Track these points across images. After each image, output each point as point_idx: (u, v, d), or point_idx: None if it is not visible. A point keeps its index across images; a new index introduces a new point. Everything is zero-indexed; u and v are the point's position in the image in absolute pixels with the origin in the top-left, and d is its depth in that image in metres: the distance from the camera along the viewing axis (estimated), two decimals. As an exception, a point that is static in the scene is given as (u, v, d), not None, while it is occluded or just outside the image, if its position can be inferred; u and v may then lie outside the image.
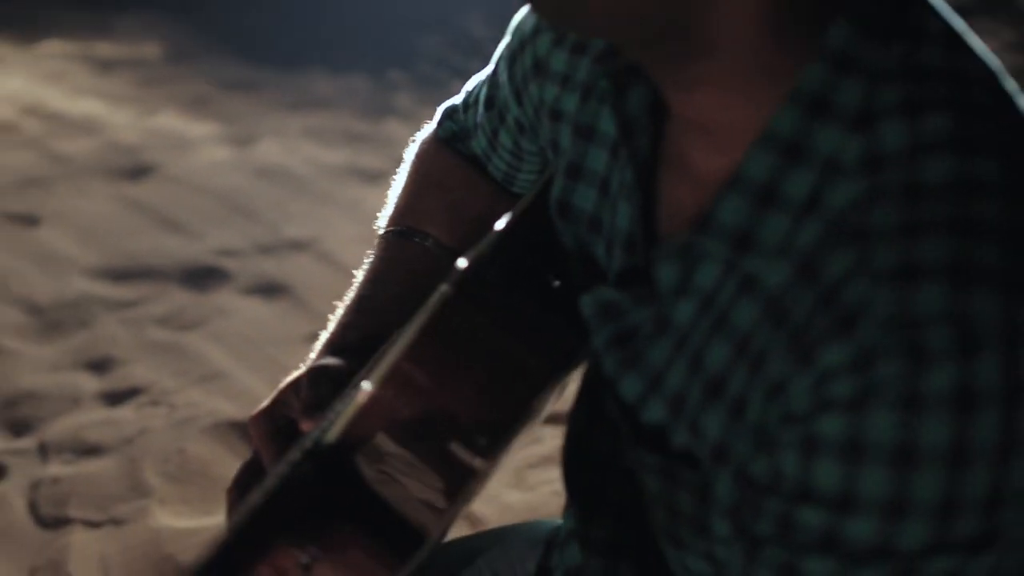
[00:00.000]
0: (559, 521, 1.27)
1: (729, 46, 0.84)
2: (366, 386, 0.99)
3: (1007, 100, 0.84)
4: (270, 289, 3.96)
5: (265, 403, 1.18)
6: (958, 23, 0.87)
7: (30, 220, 4.63)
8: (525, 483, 2.83)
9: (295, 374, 1.20)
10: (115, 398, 3.30)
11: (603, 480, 1.09)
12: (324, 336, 1.28)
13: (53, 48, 7.33)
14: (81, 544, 2.66)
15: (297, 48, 7.17)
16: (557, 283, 1.11)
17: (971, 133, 0.80)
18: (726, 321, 0.88)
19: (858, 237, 0.79)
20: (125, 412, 3.22)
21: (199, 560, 0.93)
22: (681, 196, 0.94)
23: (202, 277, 4.10)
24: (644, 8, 0.83)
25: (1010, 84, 0.86)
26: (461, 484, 0.97)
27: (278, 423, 1.16)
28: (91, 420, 3.18)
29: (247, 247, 4.33)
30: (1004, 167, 0.79)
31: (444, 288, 1.01)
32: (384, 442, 0.99)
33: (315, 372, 1.18)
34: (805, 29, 0.84)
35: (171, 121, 5.93)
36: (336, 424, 1.00)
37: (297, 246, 4.32)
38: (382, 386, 0.98)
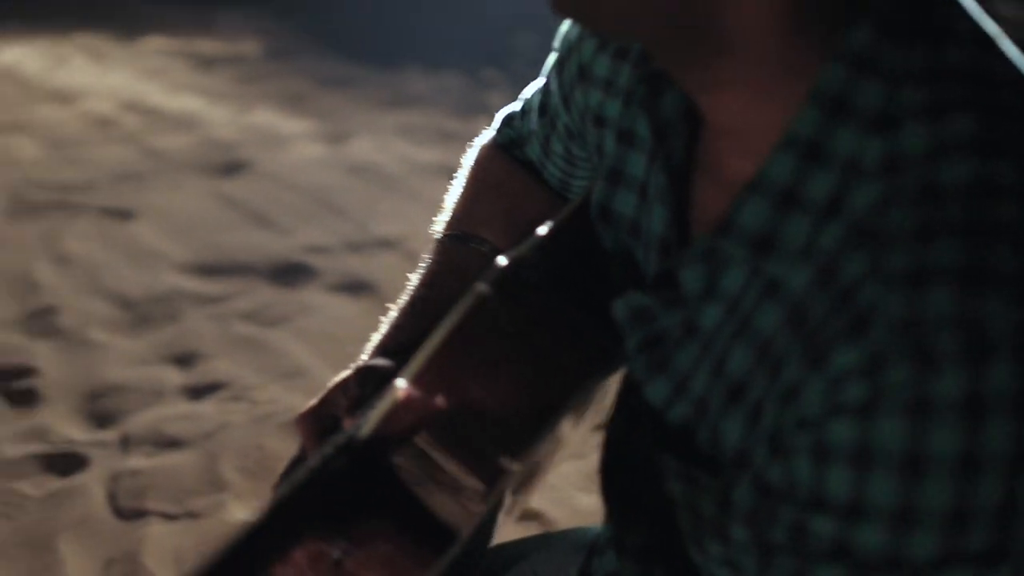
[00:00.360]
0: (604, 528, 1.26)
1: (749, 46, 0.83)
2: (400, 383, 0.99)
3: None
4: (356, 287, 3.98)
5: (313, 401, 1.20)
6: (990, 25, 0.84)
7: (124, 214, 4.70)
8: (597, 487, 2.81)
9: (344, 374, 1.21)
10: (197, 392, 3.34)
11: (638, 486, 1.07)
12: (376, 337, 1.28)
13: (155, 44, 7.46)
14: (157, 536, 2.69)
15: (394, 46, 7.23)
16: (600, 288, 1.11)
17: (994, 135, 0.78)
18: (749, 325, 0.87)
19: (874, 239, 0.78)
20: (206, 406, 3.26)
21: (219, 548, 0.93)
22: (711, 200, 0.93)
23: (290, 273, 4.14)
24: (655, 6, 0.83)
25: None
26: (493, 482, 0.97)
27: (325, 422, 1.18)
28: (173, 414, 3.22)
29: (335, 244, 4.36)
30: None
31: (480, 287, 1.01)
32: (416, 438, 0.99)
33: (363, 372, 1.19)
34: (827, 29, 0.82)
35: (267, 117, 6.00)
36: (370, 420, 1.01)
37: (385, 244, 4.34)
38: (415, 382, 0.99)
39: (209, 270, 4.15)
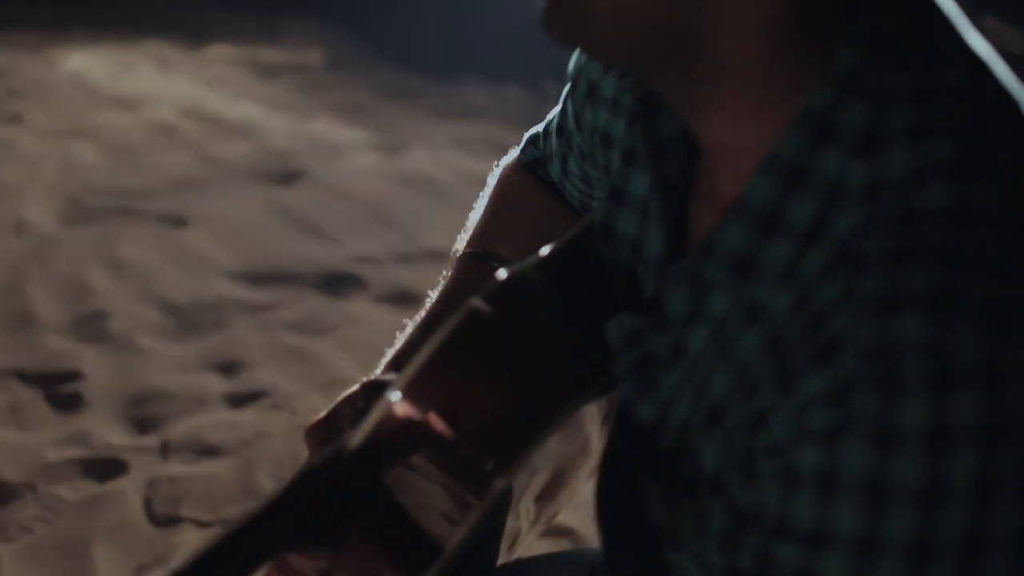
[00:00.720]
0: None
1: (737, 68, 0.82)
2: (391, 396, 0.99)
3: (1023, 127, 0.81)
4: (403, 298, 3.98)
5: (322, 414, 1.20)
6: (982, 48, 0.83)
7: (179, 221, 4.74)
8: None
9: (353, 388, 1.21)
10: (239, 400, 3.35)
11: (625, 509, 1.06)
12: (390, 352, 1.29)
13: (220, 52, 7.53)
14: (190, 543, 2.70)
15: (454, 57, 7.24)
16: (601, 307, 1.10)
17: (977, 160, 0.77)
18: (731, 349, 0.86)
19: (850, 264, 0.77)
20: (247, 415, 3.27)
21: (198, 552, 0.92)
22: (705, 221, 0.93)
23: (338, 283, 4.15)
24: (643, 29, 0.82)
25: None
26: (481, 496, 0.97)
27: (332, 435, 1.18)
28: (213, 421, 3.24)
29: (384, 255, 4.37)
30: (1006, 196, 0.76)
31: (474, 301, 1.01)
32: (403, 451, 0.99)
33: (370, 386, 1.20)
34: (816, 51, 0.81)
35: (325, 127, 6.04)
36: (359, 431, 1.00)
37: (434, 256, 4.33)
38: (405, 394, 0.98)
39: (258, 278, 4.18)
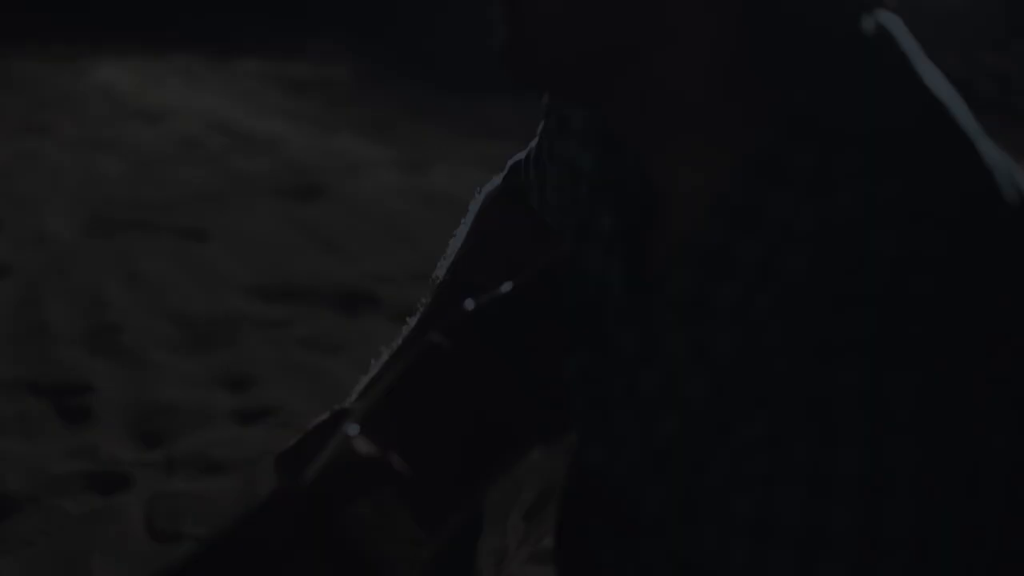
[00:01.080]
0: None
1: (689, 108, 0.82)
2: (349, 430, 0.98)
3: (976, 169, 0.79)
4: (417, 317, 3.98)
5: (291, 442, 1.19)
6: (940, 88, 0.82)
7: (199, 235, 4.77)
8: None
9: (323, 416, 1.21)
10: (246, 417, 3.36)
11: (581, 549, 1.05)
12: (364, 380, 1.28)
13: (248, 67, 7.57)
14: (189, 561, 2.70)
15: (483, 76, 7.22)
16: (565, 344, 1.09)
17: (926, 202, 0.75)
18: (678, 390, 0.85)
19: (794, 307, 0.76)
20: (253, 432, 3.27)
21: None
22: (661, 260, 0.92)
23: (353, 301, 4.16)
24: (596, 72, 0.82)
25: (986, 149, 0.80)
26: (432, 532, 0.96)
27: (300, 464, 1.17)
28: (220, 438, 3.24)
29: (401, 273, 4.37)
30: (952, 241, 0.75)
31: (433, 335, 1.00)
32: (357, 485, 0.98)
33: (340, 415, 1.19)
34: (767, 93, 0.81)
35: (348, 143, 6.06)
36: (314, 467, 1.00)
37: (451, 275, 4.34)
38: (361, 428, 0.98)
39: (273, 294, 4.19)
